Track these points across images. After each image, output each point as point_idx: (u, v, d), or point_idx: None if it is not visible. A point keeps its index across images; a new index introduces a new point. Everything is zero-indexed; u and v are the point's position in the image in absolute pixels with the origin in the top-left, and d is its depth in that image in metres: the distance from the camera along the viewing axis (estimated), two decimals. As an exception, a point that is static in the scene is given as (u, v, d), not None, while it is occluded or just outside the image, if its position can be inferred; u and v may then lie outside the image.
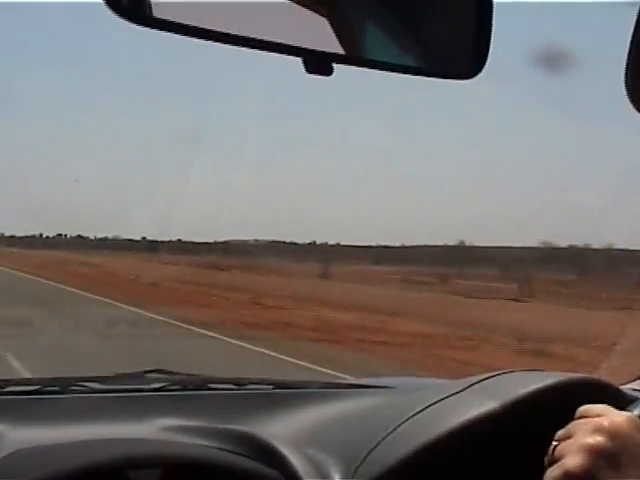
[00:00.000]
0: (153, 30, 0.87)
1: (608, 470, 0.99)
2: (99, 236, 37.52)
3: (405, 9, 1.03)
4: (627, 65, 1.01)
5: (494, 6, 1.04)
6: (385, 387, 1.80)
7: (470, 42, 1.05)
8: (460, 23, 1.06)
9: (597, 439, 1.00)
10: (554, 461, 1.04)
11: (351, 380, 1.90)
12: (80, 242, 37.36)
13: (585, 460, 1.00)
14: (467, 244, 24.69)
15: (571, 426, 1.06)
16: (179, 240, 31.65)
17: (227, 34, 0.87)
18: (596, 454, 0.99)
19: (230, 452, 1.37)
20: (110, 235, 36.31)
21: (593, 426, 1.03)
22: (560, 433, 1.07)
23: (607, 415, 1.04)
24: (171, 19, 0.86)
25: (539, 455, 1.14)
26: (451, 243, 25.82)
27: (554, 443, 1.06)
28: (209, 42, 0.88)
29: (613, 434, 1.01)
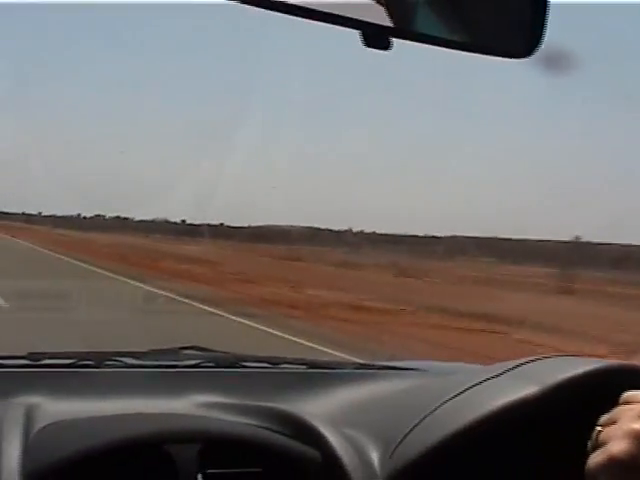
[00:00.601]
0: (196, 12, 0.87)
1: None
2: (138, 218, 37.41)
3: None
4: None
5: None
6: (417, 369, 1.79)
7: (526, 20, 1.04)
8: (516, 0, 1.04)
9: None
10: (598, 446, 1.03)
11: (385, 362, 1.90)
12: (120, 224, 37.30)
13: (630, 446, 0.98)
14: (583, 240, 23.66)
15: (615, 412, 1.05)
16: (221, 224, 31.61)
17: (287, 3, 0.86)
18: None
19: (268, 430, 1.37)
20: (149, 217, 36.27)
21: (639, 412, 1.01)
22: (604, 419, 1.05)
23: None
24: None
25: (577, 441, 1.13)
26: (565, 239, 24.67)
27: (598, 429, 1.05)
28: (244, 30, 0.87)
29: None
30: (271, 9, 0.85)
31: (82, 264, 20.73)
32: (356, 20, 0.89)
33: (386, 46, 0.91)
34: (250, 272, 19.17)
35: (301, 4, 0.86)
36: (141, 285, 15.10)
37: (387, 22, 0.94)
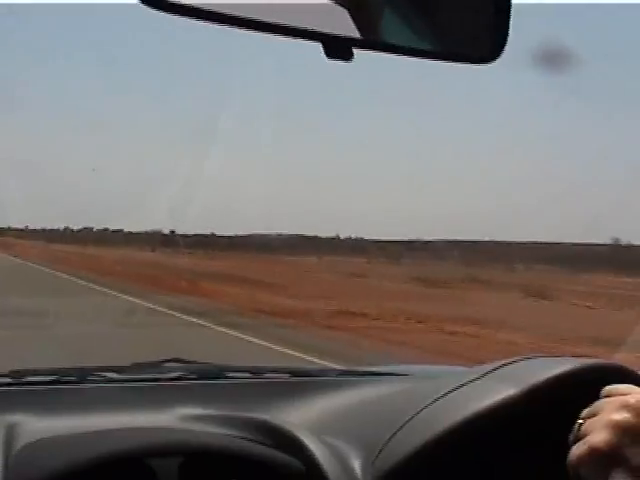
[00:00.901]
0: (169, 17, 0.87)
1: (633, 447, 0.98)
2: (127, 230, 37.19)
3: None
4: None
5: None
6: (402, 375, 1.80)
7: (489, 25, 1.04)
8: (479, 5, 1.05)
9: (623, 415, 1.00)
10: (579, 439, 1.03)
11: (368, 368, 1.90)
12: (111, 236, 37.19)
13: (610, 436, 0.99)
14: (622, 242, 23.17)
15: (596, 405, 1.06)
16: (213, 234, 31.46)
17: (246, 19, 0.86)
18: (622, 430, 0.99)
19: (250, 440, 1.37)
20: (139, 229, 36.10)
21: (619, 403, 1.02)
22: (585, 412, 1.06)
23: (633, 393, 1.04)
24: (188, 3, 0.85)
25: (560, 441, 1.14)
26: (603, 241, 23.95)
27: (579, 421, 1.06)
28: (227, 30, 0.88)
29: (639, 411, 1.00)
30: (233, 25, 0.86)
31: (111, 291, 16.27)
32: (318, 33, 0.90)
33: (348, 57, 0.91)
34: (349, 299, 14.24)
35: (259, 19, 0.86)
36: (232, 333, 10.46)
37: (352, 33, 0.95)
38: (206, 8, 0.85)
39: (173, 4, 0.84)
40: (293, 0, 0.91)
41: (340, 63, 0.92)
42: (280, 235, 29.55)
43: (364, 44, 0.96)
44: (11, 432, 1.35)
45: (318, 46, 0.92)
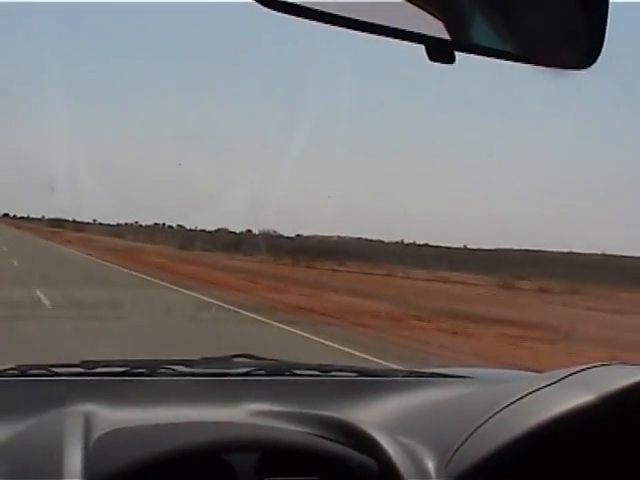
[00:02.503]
0: (255, 18, 0.88)
1: None
2: (189, 227, 37.06)
3: None
4: None
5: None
6: (467, 377, 1.79)
7: (584, 30, 1.04)
8: (575, 10, 1.04)
9: None
10: None
11: (433, 369, 1.90)
12: (184, 234, 37.23)
13: None
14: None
15: None
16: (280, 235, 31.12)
17: (355, 20, 0.87)
18: None
19: (324, 438, 1.38)
20: (201, 227, 35.94)
21: None
22: None
23: None
24: (298, 3, 0.87)
25: (634, 451, 1.13)
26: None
27: None
28: (307, 32, 0.89)
29: None
30: (341, 26, 0.87)
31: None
32: (421, 35, 0.90)
33: (451, 60, 0.91)
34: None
35: (368, 20, 0.87)
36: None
37: (449, 37, 0.95)
38: (315, 8, 0.86)
39: (284, 3, 0.85)
40: (395, 4, 0.92)
41: (403, 69, 0.92)
42: (340, 238, 29.26)
43: (461, 47, 0.97)
44: (89, 421, 1.37)
45: (405, 46, 0.92)
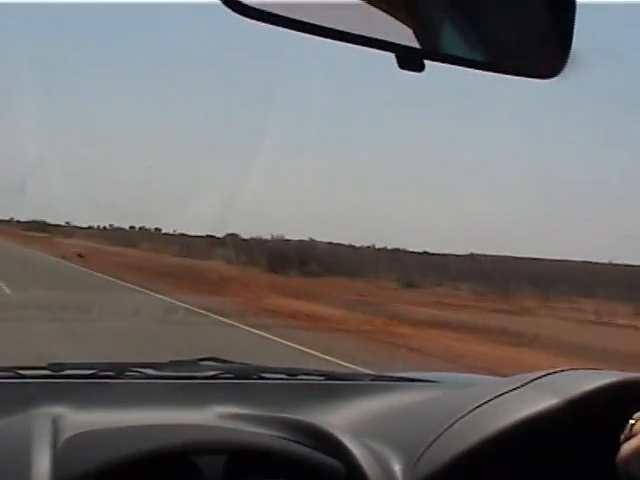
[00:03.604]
0: (220, 21, 0.89)
1: None
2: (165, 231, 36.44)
3: (486, 5, 1.04)
4: None
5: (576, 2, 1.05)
6: (433, 381, 1.81)
7: (551, 39, 1.05)
8: (541, 20, 1.06)
9: None
10: (631, 437, 1.05)
11: (400, 373, 1.91)
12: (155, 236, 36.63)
13: None
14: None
15: None
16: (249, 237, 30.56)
17: (323, 27, 0.88)
18: None
19: (292, 441, 1.38)
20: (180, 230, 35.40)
21: None
22: (638, 414, 1.08)
23: None
24: (268, 10, 0.87)
25: (599, 452, 1.15)
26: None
27: (631, 422, 1.07)
28: (279, 40, 0.89)
29: None
30: (312, 33, 0.87)
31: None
32: (391, 43, 0.91)
33: (420, 68, 0.92)
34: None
35: (339, 28, 0.88)
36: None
37: (419, 45, 0.96)
38: (286, 15, 0.87)
39: (255, 9, 0.86)
40: (365, 12, 0.93)
41: (370, 72, 0.93)
42: (313, 241, 28.92)
43: (431, 55, 0.98)
44: (57, 423, 1.36)
45: (367, 54, 0.93)
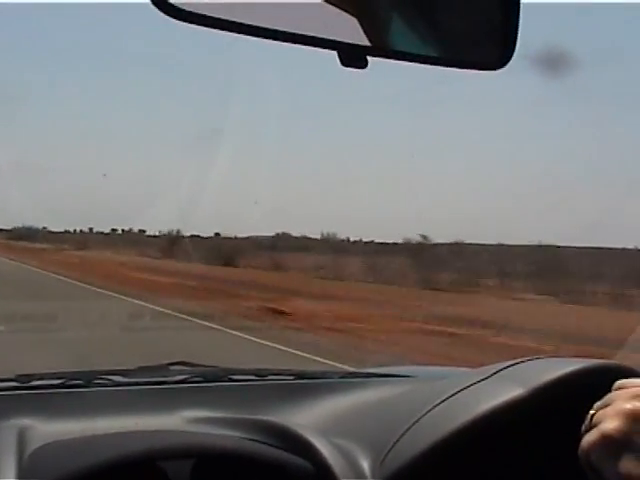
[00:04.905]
0: (177, 25, 0.88)
1: None
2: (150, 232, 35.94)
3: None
4: None
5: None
6: (406, 376, 1.81)
7: (497, 32, 1.06)
8: (487, 12, 1.06)
9: (635, 404, 1.01)
10: (591, 428, 1.05)
11: (372, 369, 1.91)
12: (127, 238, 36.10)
13: (622, 424, 1.00)
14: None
15: (608, 396, 1.07)
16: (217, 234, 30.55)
17: (263, 28, 0.87)
18: (633, 418, 1.00)
19: (260, 442, 1.38)
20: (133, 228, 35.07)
21: (631, 394, 1.03)
22: (598, 403, 1.08)
23: None
24: (205, 12, 0.87)
25: (566, 440, 1.15)
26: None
27: (591, 412, 1.07)
28: (231, 37, 0.89)
29: None
30: (250, 35, 0.87)
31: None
32: (333, 41, 0.91)
33: (363, 65, 0.92)
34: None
35: (278, 28, 0.88)
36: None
37: (364, 41, 0.96)
38: (223, 17, 0.86)
39: (188, 12, 0.85)
40: (309, 10, 0.93)
41: (333, 69, 0.93)
42: (283, 234, 29.04)
43: (377, 52, 0.98)
44: (23, 435, 1.36)
45: (324, 51, 0.93)
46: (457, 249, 23.97)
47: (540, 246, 22.99)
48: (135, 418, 1.51)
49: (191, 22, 0.87)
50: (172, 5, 0.86)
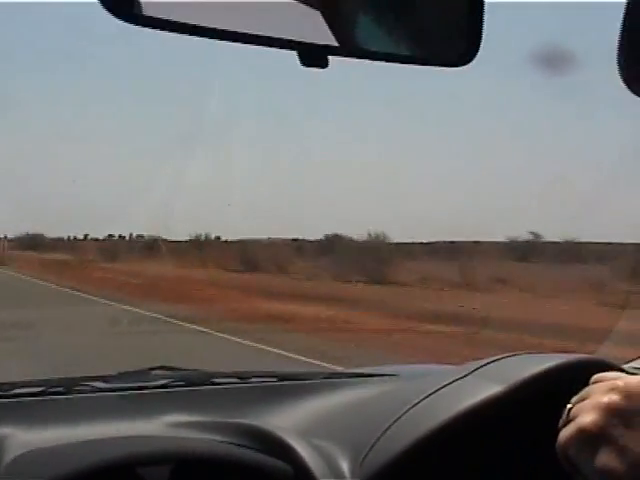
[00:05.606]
0: (146, 29, 0.87)
1: (621, 428, 0.98)
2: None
3: None
4: (620, 48, 1.01)
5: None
6: (389, 375, 1.81)
7: (462, 29, 1.06)
8: (451, 10, 1.06)
9: (611, 397, 1.00)
10: (568, 422, 1.04)
11: (355, 370, 1.91)
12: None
13: (599, 417, 1.00)
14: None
15: (585, 390, 1.07)
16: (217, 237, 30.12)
17: (221, 30, 0.87)
18: (610, 412, 0.99)
19: (239, 446, 1.38)
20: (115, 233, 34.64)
21: (607, 387, 1.03)
22: (575, 397, 1.07)
23: (622, 378, 1.05)
24: (163, 17, 0.86)
25: (546, 436, 1.15)
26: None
27: (569, 406, 1.07)
28: (204, 40, 0.88)
29: (628, 394, 1.01)
30: (207, 37, 0.86)
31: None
32: (292, 41, 0.91)
33: (324, 65, 0.92)
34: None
35: (234, 30, 0.87)
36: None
37: (323, 41, 0.96)
38: (182, 21, 0.86)
39: (149, 17, 0.85)
40: (268, 9, 0.92)
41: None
42: (270, 239, 28.85)
43: (339, 51, 0.97)
44: (3, 444, 1.35)
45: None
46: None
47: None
48: (116, 424, 1.50)
49: (150, 26, 0.87)
50: (130, 10, 0.86)
